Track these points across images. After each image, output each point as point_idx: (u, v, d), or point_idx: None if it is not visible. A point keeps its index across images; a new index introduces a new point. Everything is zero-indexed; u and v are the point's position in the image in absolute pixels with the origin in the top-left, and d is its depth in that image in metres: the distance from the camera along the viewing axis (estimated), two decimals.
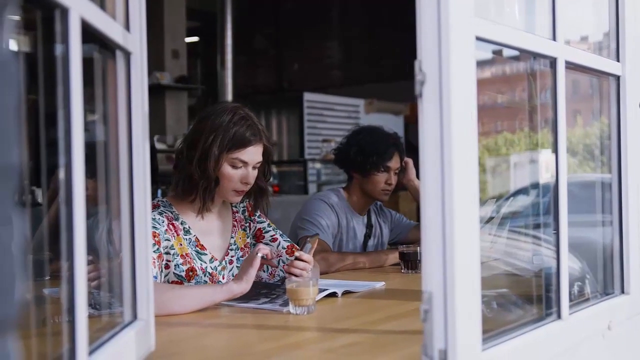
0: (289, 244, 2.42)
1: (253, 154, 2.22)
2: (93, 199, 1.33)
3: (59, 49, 1.01)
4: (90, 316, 1.08)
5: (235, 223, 2.40)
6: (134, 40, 1.37)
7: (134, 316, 1.39)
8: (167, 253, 2.16)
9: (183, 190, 2.24)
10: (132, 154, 1.38)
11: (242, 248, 2.39)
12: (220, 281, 2.27)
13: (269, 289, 2.17)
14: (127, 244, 1.39)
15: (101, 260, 1.51)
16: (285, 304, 1.93)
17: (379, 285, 2.38)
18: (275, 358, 1.49)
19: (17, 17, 0.61)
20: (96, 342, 1.18)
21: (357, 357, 1.50)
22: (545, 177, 1.94)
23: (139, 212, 1.39)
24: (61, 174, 1.01)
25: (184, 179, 2.22)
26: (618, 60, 1.83)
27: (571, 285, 1.64)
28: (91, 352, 1.10)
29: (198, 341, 1.67)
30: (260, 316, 1.88)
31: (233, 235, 2.38)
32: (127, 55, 1.35)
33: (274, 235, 2.43)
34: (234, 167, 2.21)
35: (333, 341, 1.63)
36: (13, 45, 0.59)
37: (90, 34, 1.12)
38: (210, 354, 1.59)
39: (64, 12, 0.99)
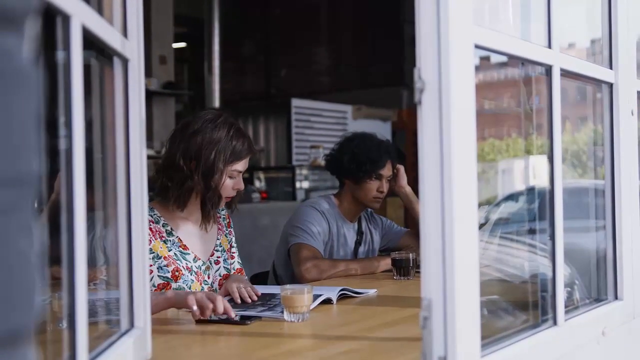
0: (239, 267, 2.51)
1: (247, 163, 2.36)
2: (88, 205, 1.32)
3: (59, 55, 1.01)
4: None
5: (219, 227, 2.48)
6: (132, 46, 1.37)
7: (131, 324, 1.38)
8: None
9: (184, 201, 2.29)
10: (129, 160, 1.37)
11: (227, 251, 2.47)
12: (205, 280, 2.34)
13: (264, 300, 2.16)
14: (124, 251, 1.38)
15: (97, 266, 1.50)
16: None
17: (372, 292, 2.37)
18: None
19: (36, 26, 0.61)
20: (94, 350, 1.17)
21: None
22: (534, 183, 1.95)
23: (136, 219, 1.39)
24: (62, 181, 1.00)
25: (185, 192, 2.27)
26: (611, 68, 1.84)
27: None
28: None
29: (194, 349, 1.67)
30: (256, 324, 1.87)
31: (219, 237, 2.45)
32: (124, 61, 1.35)
33: (234, 253, 2.51)
34: (231, 177, 2.32)
35: (330, 348, 1.62)
36: (33, 53, 0.59)
37: (88, 40, 1.12)
38: None
39: (66, 19, 0.99)
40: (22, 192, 0.56)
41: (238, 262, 2.53)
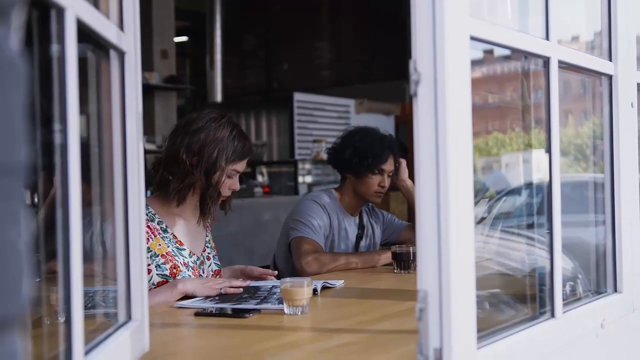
0: (217, 268, 2.50)
1: (245, 164, 2.39)
2: (85, 200, 1.32)
3: (54, 48, 1.01)
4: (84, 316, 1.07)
5: (207, 225, 2.51)
6: (128, 39, 1.37)
7: (129, 317, 1.39)
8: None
9: (184, 196, 2.31)
10: (126, 154, 1.37)
11: (214, 248, 2.52)
12: (201, 275, 2.38)
13: (251, 292, 2.17)
14: (121, 245, 1.38)
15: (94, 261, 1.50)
16: (282, 302, 1.93)
17: (340, 282, 2.39)
18: (270, 358, 1.49)
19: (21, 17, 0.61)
20: (91, 342, 1.17)
21: (352, 357, 1.50)
22: (536, 177, 1.95)
23: (133, 213, 1.39)
24: (57, 176, 1.01)
25: (186, 187, 2.29)
26: (610, 60, 1.84)
27: (563, 285, 1.65)
28: (86, 353, 1.10)
29: (192, 342, 1.67)
30: (254, 317, 1.87)
31: (207, 234, 2.49)
32: (121, 55, 1.35)
33: (209, 254, 2.50)
34: (229, 177, 2.34)
35: (328, 341, 1.63)
36: (20, 44, 0.60)
37: (84, 33, 1.12)
38: (204, 355, 1.58)
39: (60, 11, 0.99)
40: (10, 182, 0.57)
41: (215, 263, 2.53)
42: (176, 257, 2.29)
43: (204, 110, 2.41)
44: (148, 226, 2.26)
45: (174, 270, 2.26)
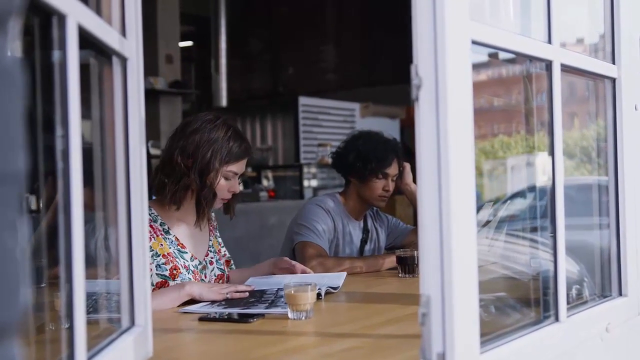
0: (220, 272, 2.50)
1: (244, 165, 2.38)
2: (89, 206, 1.33)
3: (56, 55, 1.01)
4: (87, 322, 1.08)
5: (211, 229, 2.52)
6: (130, 45, 1.37)
7: (132, 322, 1.39)
8: None
9: (180, 199, 2.30)
10: (128, 159, 1.38)
11: (217, 252, 2.51)
12: (202, 279, 2.38)
13: (257, 297, 2.16)
14: (125, 250, 1.38)
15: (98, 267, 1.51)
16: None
17: (342, 276, 2.42)
18: None
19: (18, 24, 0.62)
20: (94, 348, 1.18)
21: None
22: (542, 180, 1.94)
23: (136, 218, 1.39)
24: (59, 181, 1.01)
25: (181, 189, 2.29)
26: (614, 63, 1.83)
27: (569, 289, 1.64)
28: (89, 359, 1.10)
29: (196, 347, 1.67)
30: (259, 322, 1.87)
31: (211, 238, 2.49)
32: (123, 60, 1.35)
33: (212, 258, 2.49)
34: (226, 178, 2.34)
35: (332, 346, 1.62)
36: (17, 52, 0.60)
37: (86, 40, 1.12)
38: None
39: (62, 18, 0.99)
40: (7, 190, 0.57)
41: (223, 258, 2.55)
42: (177, 259, 2.29)
43: (201, 113, 2.42)
44: (151, 226, 2.27)
45: (174, 272, 2.26)
